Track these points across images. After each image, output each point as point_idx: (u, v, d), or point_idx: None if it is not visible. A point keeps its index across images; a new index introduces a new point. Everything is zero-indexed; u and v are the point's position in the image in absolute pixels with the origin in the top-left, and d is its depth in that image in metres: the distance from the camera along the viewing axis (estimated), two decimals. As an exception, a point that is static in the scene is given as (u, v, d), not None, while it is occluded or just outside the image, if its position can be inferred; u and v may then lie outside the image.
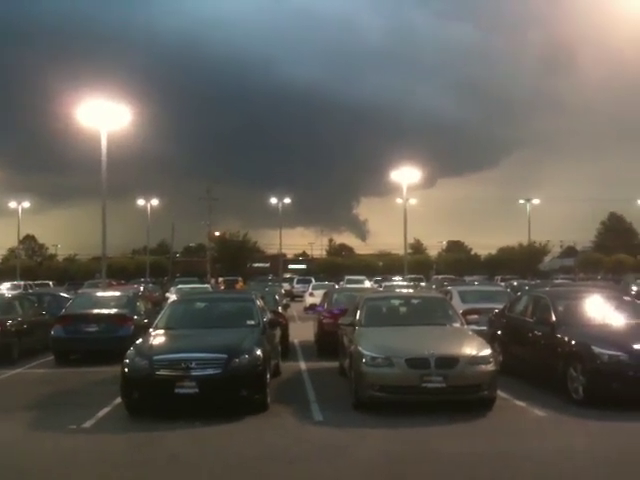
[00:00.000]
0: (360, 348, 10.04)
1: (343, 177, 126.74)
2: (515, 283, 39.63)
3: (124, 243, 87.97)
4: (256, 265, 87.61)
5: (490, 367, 9.63)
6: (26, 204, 68.58)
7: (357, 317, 11.64)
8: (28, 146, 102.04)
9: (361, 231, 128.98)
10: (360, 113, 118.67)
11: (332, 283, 42.34)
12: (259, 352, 9.95)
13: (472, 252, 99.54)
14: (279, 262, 72.74)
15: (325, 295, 19.95)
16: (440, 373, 9.33)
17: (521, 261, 77.82)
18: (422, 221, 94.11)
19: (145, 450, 8.06)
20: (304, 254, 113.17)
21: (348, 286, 34.40)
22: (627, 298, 13.59)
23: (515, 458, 7.48)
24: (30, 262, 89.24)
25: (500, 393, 10.01)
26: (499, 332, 13.39)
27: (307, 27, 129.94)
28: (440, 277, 59.12)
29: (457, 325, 11.39)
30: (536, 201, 71.21)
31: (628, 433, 8.46)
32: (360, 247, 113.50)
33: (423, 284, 46.19)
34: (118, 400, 10.02)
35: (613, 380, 9.51)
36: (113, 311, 16.56)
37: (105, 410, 10.00)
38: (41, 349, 16.49)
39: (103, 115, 29.44)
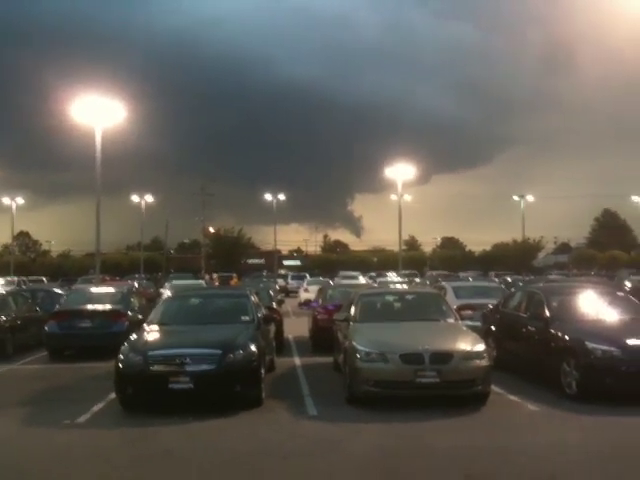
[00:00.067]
0: (354, 343, 10.06)
1: (338, 174, 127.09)
2: (509, 279, 39.72)
3: (118, 239, 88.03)
4: (251, 261, 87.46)
5: (484, 362, 9.66)
6: (20, 201, 68.27)
7: (352, 313, 11.65)
8: (22, 143, 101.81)
9: (356, 227, 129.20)
10: (356, 111, 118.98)
11: (326, 279, 42.39)
12: (253, 348, 9.95)
13: (466, 248, 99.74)
14: (274, 258, 72.71)
15: (320, 291, 19.98)
16: (434, 368, 9.35)
17: (515, 257, 77.97)
18: (417, 217, 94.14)
19: (139, 445, 8.05)
20: (299, 250, 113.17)
21: (343, 282, 34.43)
22: (621, 294, 13.64)
23: (509, 452, 7.50)
24: (24, 258, 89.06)
25: (494, 388, 10.05)
26: (493, 327, 13.42)
27: (304, 25, 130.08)
28: (434, 273, 59.24)
29: (451, 321, 11.42)
30: (530, 198, 71.23)
31: (621, 428, 8.50)
32: (355, 243, 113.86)
33: (417, 280, 46.28)
34: (112, 395, 10.02)
35: (606, 375, 9.56)
36: (107, 307, 16.55)
37: (99, 405, 9.99)
38: (35, 345, 16.47)
39: (98, 112, 29.25)
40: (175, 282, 38.22)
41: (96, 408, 9.84)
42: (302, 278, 47.49)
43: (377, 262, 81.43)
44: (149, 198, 68.55)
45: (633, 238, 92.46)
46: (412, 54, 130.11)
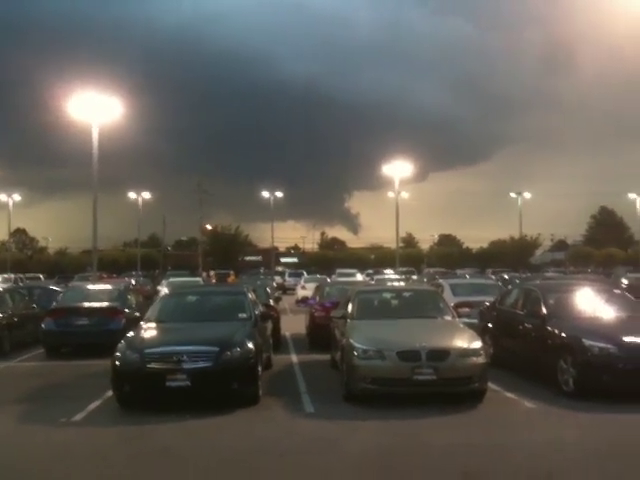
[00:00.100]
0: (352, 341, 10.06)
1: (335, 171, 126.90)
2: (506, 276, 39.76)
3: (115, 236, 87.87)
4: (248, 258, 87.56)
5: (481, 360, 9.67)
6: (17, 197, 68.16)
7: (349, 310, 11.65)
8: (19, 139, 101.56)
9: (353, 224, 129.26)
10: (354, 108, 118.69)
11: (324, 276, 42.38)
12: (251, 345, 9.94)
13: (464, 245, 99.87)
14: (271, 255, 72.65)
15: (317, 288, 19.97)
16: (431, 365, 9.36)
17: (512, 254, 78.07)
18: (414, 215, 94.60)
19: (136, 443, 8.04)
20: (296, 247, 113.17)
21: (340, 279, 34.44)
22: (617, 291, 13.66)
23: (505, 450, 7.52)
24: (21, 255, 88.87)
25: (491, 385, 10.06)
26: (490, 325, 13.44)
27: (302, 23, 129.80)
28: (432, 270, 59.31)
29: (448, 318, 11.42)
30: (527, 195, 71.28)
31: (618, 425, 8.51)
32: (352, 240, 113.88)
33: (415, 277, 46.31)
34: (109, 393, 10.01)
35: (603, 372, 9.56)
36: (104, 304, 16.52)
37: (96, 403, 9.97)
38: (32, 342, 16.45)
39: (95, 108, 29.25)
40: (172, 279, 38.19)
41: (93, 406, 9.82)
42: (299, 275, 47.57)
43: (374, 259, 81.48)
44: (146, 195, 68.42)
45: (630, 236, 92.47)
46: (411, 51, 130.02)
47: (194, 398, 9.50)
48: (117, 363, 9.63)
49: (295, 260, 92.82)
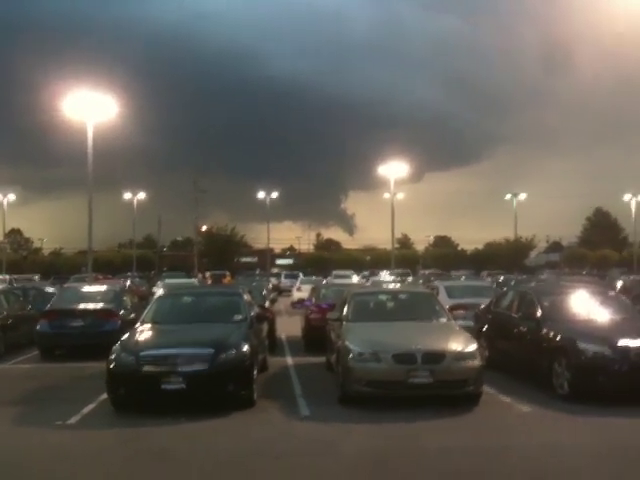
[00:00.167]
0: (347, 343, 10.06)
1: (331, 171, 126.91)
2: (501, 278, 39.80)
3: (110, 237, 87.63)
4: (243, 259, 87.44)
5: (476, 362, 9.68)
6: (12, 197, 67.91)
7: (344, 312, 11.66)
8: (14, 138, 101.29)
9: (349, 225, 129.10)
10: (349, 106, 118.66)
11: (320, 278, 42.38)
12: (246, 347, 9.94)
13: (459, 247, 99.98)
14: (266, 256, 72.69)
15: (313, 290, 19.97)
16: (427, 368, 9.37)
17: (507, 256, 78.20)
18: (409, 216, 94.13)
19: (132, 446, 8.03)
20: (292, 248, 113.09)
21: (336, 281, 34.46)
22: (612, 293, 13.71)
23: (500, 452, 7.53)
24: (15, 256, 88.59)
25: (486, 388, 10.07)
26: (485, 327, 13.45)
27: (295, 20, 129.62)
28: (427, 272, 59.36)
29: (444, 320, 11.44)
30: (522, 196, 71.40)
31: (612, 428, 8.53)
32: (347, 241, 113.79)
33: (410, 279, 46.35)
34: (104, 396, 9.98)
35: (598, 375, 9.59)
36: (99, 306, 16.49)
37: (91, 406, 9.95)
38: (26, 344, 16.39)
39: (90, 107, 29.22)
40: (168, 280, 38.17)
41: (87, 409, 9.79)
42: (295, 277, 47.53)
43: (370, 260, 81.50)
44: (142, 195, 68.33)
45: (624, 237, 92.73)
46: (404, 49, 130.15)
47: (189, 401, 9.49)
48: (112, 365, 9.62)
49: (291, 261, 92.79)
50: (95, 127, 29.83)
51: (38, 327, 15.77)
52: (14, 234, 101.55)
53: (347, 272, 49.66)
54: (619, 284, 28.05)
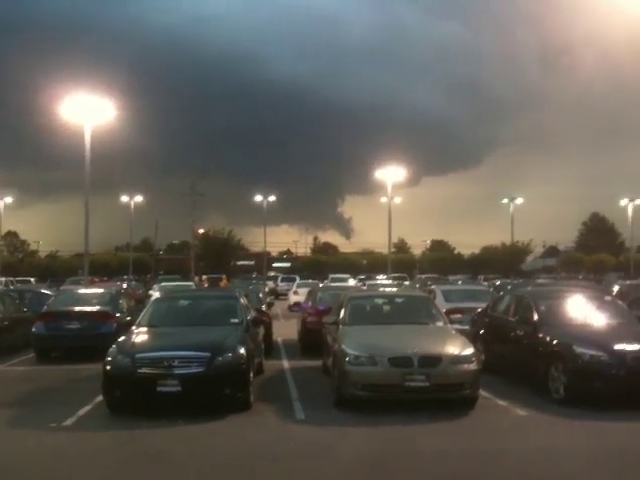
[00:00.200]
0: (344, 347, 10.06)
1: (328, 175, 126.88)
2: (498, 282, 39.82)
3: (107, 239, 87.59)
4: (240, 263, 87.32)
5: (473, 366, 9.68)
6: (8, 199, 67.74)
7: (341, 316, 11.65)
8: (11, 141, 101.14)
9: (346, 229, 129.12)
10: (347, 110, 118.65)
11: (316, 281, 42.35)
12: (242, 350, 9.93)
13: (455, 251, 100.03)
14: (263, 260, 72.54)
15: (309, 293, 19.97)
16: (423, 372, 9.37)
17: (504, 260, 78.23)
18: (406, 220, 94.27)
19: (127, 448, 8.01)
20: (288, 252, 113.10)
21: (332, 284, 34.44)
22: (608, 298, 13.72)
23: (497, 457, 7.53)
24: (12, 258, 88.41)
25: (482, 392, 10.07)
26: (482, 331, 13.47)
27: (294, 23, 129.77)
28: (424, 276, 59.32)
29: (440, 324, 11.44)
30: (519, 200, 71.52)
31: (609, 432, 8.55)
32: (344, 245, 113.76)
33: (407, 283, 46.33)
34: (99, 398, 9.97)
35: (594, 380, 9.60)
36: (95, 308, 16.47)
37: (86, 408, 9.93)
38: (22, 346, 16.35)
39: (87, 110, 29.20)
40: (164, 283, 38.10)
41: (83, 411, 9.78)
42: (292, 280, 47.42)
43: (366, 264, 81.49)
44: (138, 198, 68.25)
45: (621, 242, 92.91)
46: (404, 53, 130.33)
47: (185, 403, 9.47)
48: (108, 368, 9.60)
49: (287, 265, 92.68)
50: (93, 130, 29.81)
51: (34, 329, 15.74)
52: (10, 236, 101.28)
53: (344, 276, 49.56)
54: (615, 289, 28.09)
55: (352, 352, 9.79)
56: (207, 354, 9.53)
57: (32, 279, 57.02)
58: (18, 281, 50.01)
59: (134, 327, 11.32)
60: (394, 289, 24.75)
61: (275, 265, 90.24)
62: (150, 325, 11.33)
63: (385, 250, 58.43)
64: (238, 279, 54.33)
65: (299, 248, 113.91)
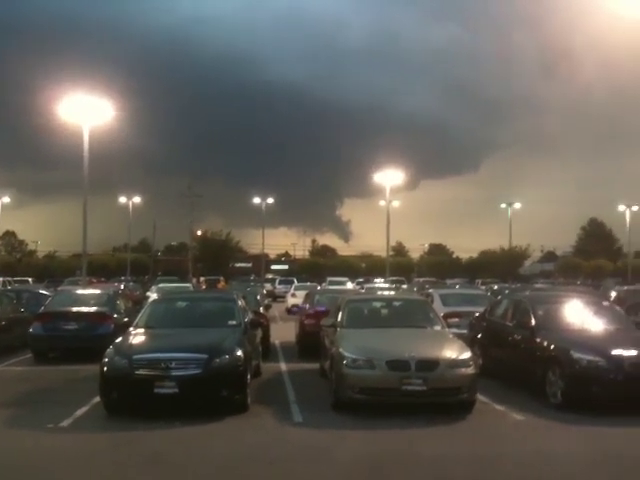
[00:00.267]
0: (341, 350, 10.06)
1: (326, 178, 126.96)
2: (496, 287, 39.84)
3: (105, 240, 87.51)
4: (238, 265, 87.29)
5: (470, 370, 9.68)
6: (6, 199, 67.64)
7: (339, 318, 11.65)
8: (9, 141, 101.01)
9: (344, 232, 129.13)
10: (345, 112, 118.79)
11: (314, 284, 42.34)
12: (240, 352, 9.92)
13: (454, 255, 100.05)
14: (261, 262, 72.61)
15: (307, 296, 19.96)
16: (420, 376, 9.37)
17: (502, 265, 78.27)
18: (405, 223, 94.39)
19: (124, 450, 8.00)
20: (287, 254, 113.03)
21: (330, 287, 34.42)
22: (606, 303, 13.74)
23: (494, 461, 7.53)
24: (9, 258, 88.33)
25: (480, 396, 10.08)
26: (479, 335, 13.47)
27: (292, 26, 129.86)
28: (421, 280, 59.35)
29: (438, 328, 11.44)
30: (517, 205, 71.61)
31: (606, 437, 8.55)
32: (343, 248, 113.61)
33: (404, 286, 46.35)
34: (97, 399, 9.95)
35: (592, 385, 9.61)
36: (93, 309, 16.44)
37: (83, 409, 9.92)
38: (19, 346, 16.33)
39: (86, 110, 29.21)
40: (162, 285, 38.06)
41: (80, 412, 9.77)
42: (290, 283, 47.40)
43: (365, 268, 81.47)
44: (137, 199, 68.26)
45: (619, 248, 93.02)
46: (402, 56, 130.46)
47: (183, 405, 9.46)
48: (105, 369, 9.59)
49: (285, 267, 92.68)
50: (91, 130, 29.82)
51: (31, 330, 15.72)
52: (8, 236, 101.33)
53: (342, 279, 49.57)
54: (613, 294, 28.11)
55: (350, 355, 9.79)
56: (204, 356, 9.52)
57: (30, 279, 56.93)
58: (16, 281, 49.92)
59: (132, 328, 11.32)
60: (392, 292, 24.81)
61: (273, 267, 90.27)
62: (148, 326, 11.32)
63: (383, 253, 58.58)
64: (236, 281, 54.21)
65: (297, 251, 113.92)
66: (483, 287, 39.42)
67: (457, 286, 38.86)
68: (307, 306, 17.95)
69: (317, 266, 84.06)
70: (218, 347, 9.84)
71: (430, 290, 21.39)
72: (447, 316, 14.39)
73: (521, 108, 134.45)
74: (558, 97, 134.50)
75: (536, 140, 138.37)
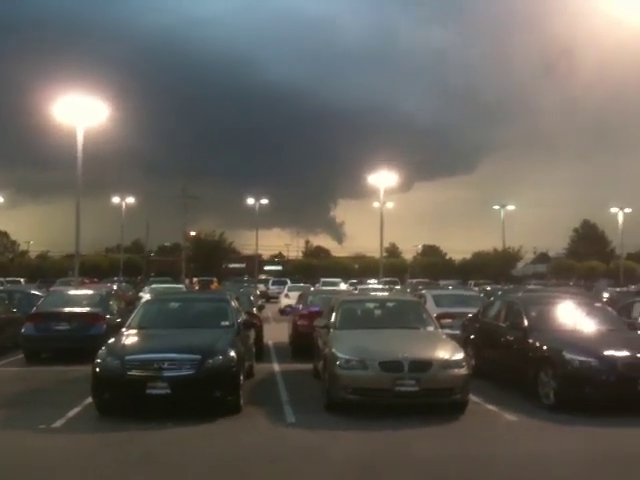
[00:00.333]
0: (334, 350, 10.05)
1: (320, 179, 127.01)
2: (488, 288, 39.94)
3: (98, 241, 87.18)
4: (231, 266, 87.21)
5: (463, 371, 9.70)
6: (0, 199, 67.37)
7: (332, 319, 11.65)
8: (3, 141, 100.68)
9: (337, 233, 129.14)
10: (340, 114, 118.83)
11: (308, 285, 42.33)
12: (233, 353, 9.90)
13: (447, 256, 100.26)
14: (255, 263, 72.48)
15: (300, 297, 19.96)
16: (413, 376, 9.38)
17: (495, 266, 78.50)
18: (398, 225, 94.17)
19: (116, 451, 7.97)
20: (280, 255, 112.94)
21: (323, 288, 34.41)
22: (598, 304, 13.78)
23: (486, 461, 7.54)
24: (2, 258, 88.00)
25: (472, 397, 10.09)
26: (472, 336, 13.49)
27: (289, 28, 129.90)
28: (415, 281, 59.45)
29: (431, 329, 11.46)
30: (510, 207, 71.83)
31: (598, 438, 8.57)
32: (336, 249, 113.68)
33: (398, 287, 46.40)
34: (89, 400, 9.92)
35: (584, 385, 9.65)
36: (85, 309, 16.38)
37: (75, 410, 9.88)
38: (11, 347, 16.27)
39: (80, 111, 29.13)
40: (155, 285, 37.94)
41: (72, 412, 9.73)
42: (283, 283, 47.37)
43: (358, 269, 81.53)
44: (130, 199, 68.11)
45: (611, 249, 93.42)
46: (399, 58, 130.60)
47: (175, 406, 9.43)
48: (97, 370, 9.55)
49: (279, 268, 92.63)
50: (86, 131, 29.74)
51: (23, 330, 15.64)
52: (1, 236, 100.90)
53: (335, 280, 49.56)
54: (605, 296, 28.23)
55: (343, 356, 9.79)
56: (197, 356, 9.50)
57: (22, 279, 56.75)
58: (8, 281, 49.77)
59: (124, 329, 11.27)
60: (385, 293, 24.82)
61: (266, 268, 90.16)
62: (140, 327, 11.29)
63: (377, 255, 58.52)
64: (229, 282, 54.20)
65: (291, 252, 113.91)
66: (476, 288, 39.54)
67: (450, 287, 38.95)
68: (300, 307, 17.96)
69: (310, 267, 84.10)
70: (211, 348, 9.82)
71: (423, 291, 21.43)
72: (440, 317, 14.41)
73: (515, 110, 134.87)
74: (553, 99, 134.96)
75: (530, 142, 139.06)
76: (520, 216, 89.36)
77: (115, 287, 33.88)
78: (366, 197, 75.37)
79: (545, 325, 11.40)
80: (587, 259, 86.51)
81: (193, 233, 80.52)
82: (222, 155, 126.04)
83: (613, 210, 70.23)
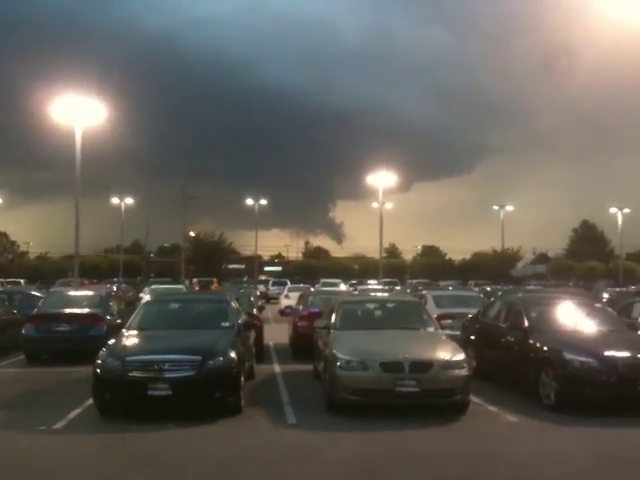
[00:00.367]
0: (335, 351, 10.06)
1: (320, 179, 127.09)
2: (488, 288, 39.95)
3: (97, 241, 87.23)
4: (231, 266, 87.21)
5: (464, 372, 9.70)
6: (-1, 200, 67.36)
7: (332, 320, 11.65)
8: (1, 142, 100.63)
9: (337, 234, 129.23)
10: (339, 115, 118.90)
11: (307, 286, 42.33)
12: (233, 354, 9.90)
13: (446, 257, 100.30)
14: (254, 264, 72.50)
15: (300, 298, 19.96)
16: (414, 377, 9.38)
17: (494, 267, 78.53)
18: (398, 225, 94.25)
19: (117, 452, 7.97)
20: (280, 256, 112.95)
21: (324, 289, 34.40)
22: (598, 305, 13.79)
23: (487, 461, 7.54)
24: (1, 259, 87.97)
25: (473, 398, 10.09)
26: (472, 337, 13.50)
27: (288, 28, 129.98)
28: (414, 281, 59.48)
29: (431, 329, 11.46)
30: (510, 207, 71.86)
31: (599, 438, 8.57)
32: (336, 250, 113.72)
33: (398, 288, 46.41)
34: (90, 401, 9.92)
35: (585, 386, 9.65)
36: (85, 311, 16.39)
37: (76, 411, 9.88)
38: (12, 348, 16.26)
39: (78, 111, 29.11)
40: (154, 286, 37.91)
41: (73, 414, 9.72)
42: (283, 284, 47.35)
43: (358, 269, 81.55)
44: (129, 200, 68.11)
45: (610, 249, 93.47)
46: (396, 60, 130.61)
47: (176, 407, 9.43)
48: (98, 371, 9.55)
49: (279, 269, 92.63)
50: (84, 131, 29.73)
51: (24, 331, 15.65)
52: (0, 237, 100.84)
53: (335, 280, 49.53)
54: (605, 296, 28.25)
55: (343, 357, 9.79)
56: (198, 358, 9.50)
57: (22, 280, 56.72)
58: (8, 282, 49.75)
59: (124, 330, 11.27)
60: (385, 294, 24.82)
61: (266, 269, 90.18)
62: (140, 328, 11.28)
63: (376, 255, 58.55)
64: (229, 282, 54.18)
65: (290, 252, 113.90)
66: (476, 289, 39.56)
67: (450, 288, 39.00)
68: (300, 308, 17.95)
69: (310, 268, 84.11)
70: (211, 349, 9.82)
71: (423, 292, 21.45)
72: (440, 318, 14.42)
73: (515, 111, 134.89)
74: (552, 100, 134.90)
75: (530, 143, 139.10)
76: (519, 216, 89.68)
77: (115, 288, 33.92)
78: (365, 197, 75.53)
79: (545, 326, 11.40)
80: (586, 259, 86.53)
81: (193, 234, 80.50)
82: (221, 156, 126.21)
83: (612, 210, 70.31)
